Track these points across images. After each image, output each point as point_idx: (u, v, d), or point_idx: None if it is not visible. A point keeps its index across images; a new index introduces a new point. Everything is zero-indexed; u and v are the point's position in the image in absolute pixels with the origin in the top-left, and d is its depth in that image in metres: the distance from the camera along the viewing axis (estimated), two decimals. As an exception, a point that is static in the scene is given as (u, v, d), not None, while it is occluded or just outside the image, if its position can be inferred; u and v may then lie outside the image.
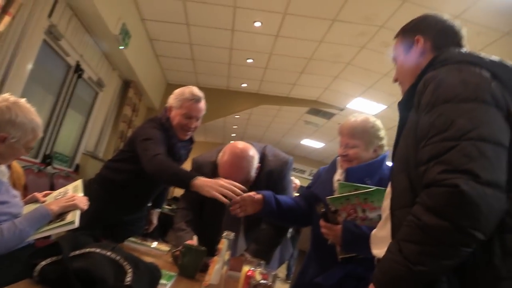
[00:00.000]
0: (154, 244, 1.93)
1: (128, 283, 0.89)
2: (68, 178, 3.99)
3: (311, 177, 10.45)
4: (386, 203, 1.18)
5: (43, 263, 0.91)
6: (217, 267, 1.05)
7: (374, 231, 1.28)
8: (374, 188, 1.57)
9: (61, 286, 0.88)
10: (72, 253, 0.95)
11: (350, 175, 1.75)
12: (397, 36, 1.33)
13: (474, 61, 1.02)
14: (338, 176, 1.83)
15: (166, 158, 1.93)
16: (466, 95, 0.94)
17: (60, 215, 1.51)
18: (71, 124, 4.90)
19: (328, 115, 8.06)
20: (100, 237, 2.14)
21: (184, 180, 1.79)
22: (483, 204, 0.82)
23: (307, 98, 7.43)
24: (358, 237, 1.54)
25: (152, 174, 1.91)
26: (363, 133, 1.76)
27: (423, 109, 1.00)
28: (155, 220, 2.31)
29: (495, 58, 1.05)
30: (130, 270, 0.92)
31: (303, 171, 13.05)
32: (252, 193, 1.76)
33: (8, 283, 0.87)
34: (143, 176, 2.03)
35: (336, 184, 1.77)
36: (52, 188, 3.47)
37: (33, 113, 1.56)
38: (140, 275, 0.93)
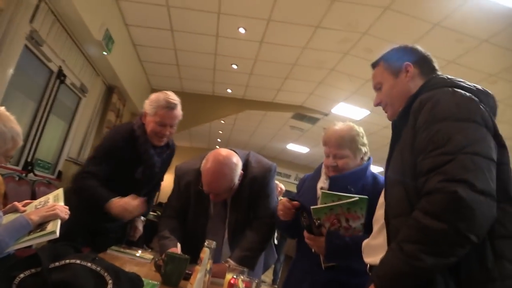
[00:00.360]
0: (139, 252, 1.91)
1: (108, 294, 0.88)
2: (50, 186, 3.93)
3: (296, 182, 10.56)
4: (379, 213, 1.25)
5: (22, 275, 0.90)
6: (199, 276, 1.05)
7: (366, 240, 1.33)
8: (357, 197, 1.59)
9: (40, 298, 0.87)
10: (52, 265, 0.94)
11: (334, 184, 1.77)
12: (377, 64, 1.45)
13: (463, 86, 1.16)
14: (322, 183, 1.84)
15: (91, 180, 2.04)
16: (460, 115, 1.07)
17: (41, 225, 1.48)
18: (53, 130, 4.83)
19: (313, 120, 8.12)
20: (82, 246, 2.15)
21: (99, 203, 1.97)
22: (478, 209, 0.93)
23: (292, 104, 7.48)
24: (341, 248, 1.58)
25: (76, 190, 2.07)
26: (351, 143, 1.79)
27: (421, 126, 1.11)
28: (140, 227, 2.27)
29: (477, 85, 1.19)
30: (110, 281, 0.91)
31: (288, 176, 13.10)
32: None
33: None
34: (117, 182, 2.07)
35: (319, 192, 1.78)
36: (34, 196, 3.41)
37: (12, 122, 1.52)
38: (121, 285, 0.92)
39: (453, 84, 1.18)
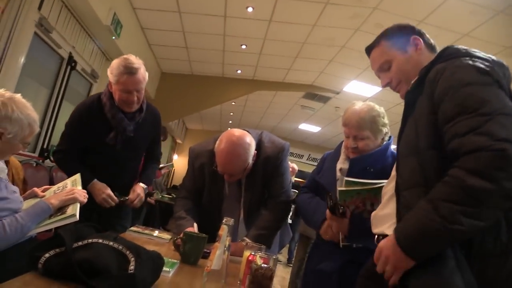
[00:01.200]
0: (156, 233, 1.95)
1: (131, 271, 0.90)
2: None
3: (309, 162, 10.53)
4: (390, 186, 1.24)
5: (47, 255, 0.92)
6: (218, 253, 1.07)
7: (374, 212, 1.32)
8: (383, 182, 1.56)
9: (66, 277, 0.90)
10: (75, 244, 0.96)
11: (353, 165, 1.76)
12: (378, 43, 1.41)
13: (478, 56, 1.14)
14: (341, 164, 1.83)
15: (66, 158, 2.15)
16: (485, 81, 1.05)
17: (60, 209, 1.52)
18: (67, 116, 4.85)
19: (324, 99, 8.05)
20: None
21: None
22: None
23: (302, 83, 7.41)
24: (364, 231, 1.56)
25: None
26: (371, 124, 1.75)
27: (444, 93, 1.08)
28: (138, 190, 2.17)
29: (492, 56, 1.16)
30: (132, 259, 0.93)
31: (301, 156, 13.10)
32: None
33: (14, 276, 0.89)
34: (94, 152, 2.12)
35: (338, 173, 1.79)
36: (51, 181, 3.47)
37: (29, 108, 1.55)
38: (143, 263, 0.94)
39: (469, 54, 1.16)
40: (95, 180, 2.07)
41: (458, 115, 1.02)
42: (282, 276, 5.97)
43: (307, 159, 13.15)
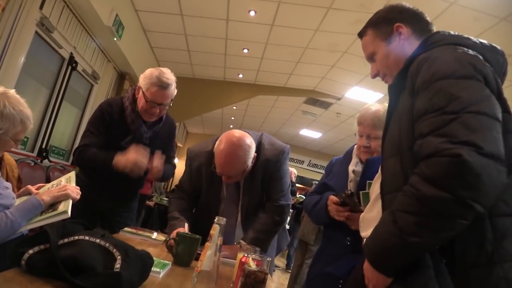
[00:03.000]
0: (154, 235, 1.91)
1: (117, 269, 0.87)
2: (64, 171, 3.97)
3: (310, 168, 10.50)
4: (376, 186, 1.18)
5: (31, 251, 0.89)
6: (209, 253, 1.04)
7: (362, 214, 1.28)
8: None
9: (49, 274, 0.86)
10: (61, 241, 0.93)
11: (370, 166, 1.73)
12: (364, 33, 1.32)
13: (466, 43, 1.04)
14: (353, 166, 1.81)
15: (87, 150, 2.03)
16: (463, 73, 0.94)
17: (52, 205, 1.49)
18: (67, 117, 4.87)
19: (326, 105, 8.03)
20: (92, 227, 2.16)
21: (105, 166, 1.97)
22: (484, 175, 0.82)
23: (304, 88, 7.40)
24: None
25: (79, 166, 2.12)
26: (380, 123, 1.71)
27: (419, 88, 0.99)
28: (158, 164, 2.05)
29: (484, 41, 1.06)
30: (119, 257, 0.90)
31: (301, 162, 13.07)
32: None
33: (-1, 273, 0.86)
34: (114, 150, 2.05)
35: (351, 175, 1.77)
36: (48, 180, 3.45)
37: (22, 104, 1.51)
38: (130, 262, 0.91)
39: (455, 40, 1.05)
40: (118, 153, 1.99)
41: (425, 113, 0.94)
42: (280, 283, 5.91)
43: (307, 165, 13.11)
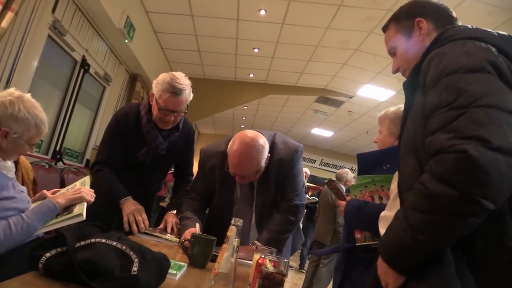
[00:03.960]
0: (167, 235, 1.90)
1: (134, 272, 0.86)
2: (78, 173, 4.00)
3: (322, 167, 10.48)
4: (394, 185, 1.17)
5: (48, 255, 0.88)
6: (226, 255, 1.02)
7: (383, 212, 1.26)
8: (389, 175, 1.57)
9: (66, 278, 0.86)
10: (78, 244, 0.92)
11: (359, 161, 1.76)
12: (387, 27, 1.31)
13: (479, 36, 1.00)
14: None
15: (105, 173, 2.00)
16: (472, 66, 0.92)
17: (67, 208, 1.49)
18: (80, 119, 4.91)
19: (337, 103, 7.98)
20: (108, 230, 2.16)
21: (114, 201, 1.95)
22: (493, 171, 0.79)
23: (315, 87, 7.36)
24: (359, 210, 1.58)
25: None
26: (384, 119, 1.82)
27: (429, 85, 0.98)
28: (170, 218, 2.04)
29: (503, 33, 1.02)
30: (136, 260, 0.89)
31: (313, 161, 13.02)
32: None
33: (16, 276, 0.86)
34: (122, 164, 2.04)
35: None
36: (62, 183, 3.48)
37: (37, 108, 1.51)
38: (147, 264, 0.90)
39: (469, 34, 1.02)
40: (130, 197, 1.97)
41: (436, 108, 0.92)
42: (294, 283, 5.89)
43: (319, 164, 13.06)
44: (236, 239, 1.05)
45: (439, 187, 0.83)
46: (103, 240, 0.92)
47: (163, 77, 1.94)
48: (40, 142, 4.01)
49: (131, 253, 0.90)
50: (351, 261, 1.77)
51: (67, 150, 4.65)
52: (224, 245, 1.05)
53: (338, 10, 4.54)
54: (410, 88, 1.12)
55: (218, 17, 5.12)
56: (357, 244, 1.68)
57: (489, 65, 0.91)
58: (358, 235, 1.71)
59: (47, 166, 3.49)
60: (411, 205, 0.90)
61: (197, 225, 1.77)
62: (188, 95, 1.98)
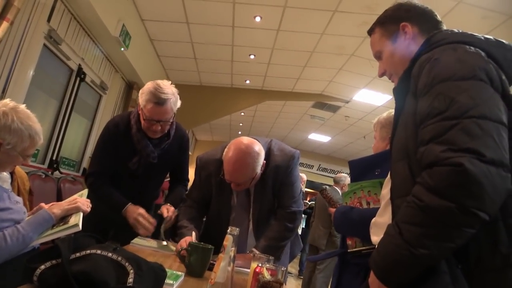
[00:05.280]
0: (162, 244, 1.89)
1: (130, 284, 0.85)
2: (75, 182, 3.99)
3: (319, 172, 10.48)
4: (386, 191, 1.17)
5: (42, 267, 0.88)
6: (222, 265, 1.02)
7: (374, 218, 1.25)
8: (375, 180, 1.61)
9: (62, 290, 0.85)
10: (73, 256, 0.91)
11: (352, 168, 1.82)
12: (372, 30, 1.31)
13: (469, 40, 1.01)
14: None
15: (102, 186, 2.02)
16: (463, 74, 0.92)
17: (63, 219, 1.48)
18: (76, 128, 4.90)
19: (334, 108, 8.00)
20: (105, 240, 2.14)
21: (116, 212, 1.98)
22: (487, 183, 0.80)
23: (311, 92, 7.38)
24: (345, 215, 1.63)
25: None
26: (377, 125, 1.87)
27: (421, 92, 0.97)
28: (166, 213, 2.00)
29: (489, 37, 1.03)
30: (132, 271, 0.88)
31: (311, 166, 13.00)
32: None
33: (11, 289, 0.85)
34: (114, 174, 2.05)
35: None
36: (59, 192, 3.46)
37: (31, 119, 1.49)
38: (143, 275, 0.89)
39: (457, 38, 1.02)
40: (130, 204, 1.98)
41: (427, 117, 0.91)
42: (293, 289, 5.86)
43: (317, 169, 13.05)
44: (233, 248, 1.04)
45: (435, 200, 0.83)
46: (99, 251, 0.91)
47: (147, 86, 1.92)
48: (36, 152, 3.99)
49: (127, 264, 0.90)
50: (344, 266, 1.79)
51: (64, 159, 4.63)
52: (221, 255, 1.04)
53: (333, 16, 4.57)
54: (399, 93, 1.12)
55: (214, 24, 5.14)
56: (348, 250, 1.69)
57: (481, 72, 0.92)
58: (349, 242, 1.73)
59: (43, 176, 3.47)
60: (404, 219, 0.89)
61: (193, 233, 1.76)
62: (174, 103, 1.95)
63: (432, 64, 0.97)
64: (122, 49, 4.76)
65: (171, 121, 1.99)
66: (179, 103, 2.00)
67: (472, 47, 0.97)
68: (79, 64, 4.44)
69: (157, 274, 0.98)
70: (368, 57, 5.44)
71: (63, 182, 3.58)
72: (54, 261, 0.89)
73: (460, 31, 1.07)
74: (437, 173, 0.84)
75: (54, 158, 4.28)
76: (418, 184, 0.88)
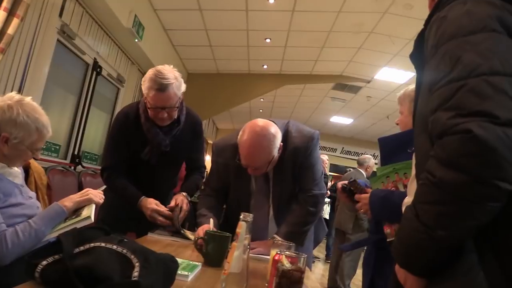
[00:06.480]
0: (181, 233, 1.84)
1: (135, 278, 0.79)
2: (96, 176, 4.01)
3: (343, 155, 10.33)
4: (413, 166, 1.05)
5: (44, 263, 0.83)
6: (236, 254, 0.95)
7: (405, 199, 1.15)
8: (409, 161, 1.44)
9: (64, 286, 0.80)
10: (77, 249, 0.86)
11: (381, 146, 1.65)
12: None
13: None
14: None
15: (116, 179, 1.98)
16: (472, 27, 0.79)
17: (76, 211, 1.45)
18: (96, 122, 4.93)
19: (355, 89, 7.80)
20: (127, 231, 2.11)
21: (131, 203, 1.94)
22: (504, 148, 0.69)
23: (331, 74, 7.20)
24: (385, 199, 1.45)
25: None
26: (404, 98, 1.71)
27: (428, 55, 0.87)
28: (178, 200, 1.95)
29: None
30: (137, 264, 0.82)
31: (334, 150, 12.84)
32: None
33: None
34: (129, 167, 2.00)
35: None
36: (80, 186, 3.48)
37: (37, 112, 1.44)
38: (150, 268, 0.83)
39: None
40: (143, 197, 1.94)
41: (435, 81, 0.81)
42: (321, 274, 5.80)
43: (340, 153, 12.87)
44: (247, 236, 0.97)
45: (448, 174, 0.73)
46: (103, 244, 0.86)
47: (148, 73, 1.85)
48: (57, 147, 4.03)
49: (132, 256, 0.83)
50: (382, 255, 1.62)
51: (86, 154, 4.67)
52: (234, 243, 0.97)
53: (349, -8, 4.40)
54: (417, 59, 1.00)
55: (227, 9, 5.03)
56: (388, 240, 1.53)
57: (494, 21, 0.79)
58: (388, 230, 1.54)
59: (64, 170, 3.49)
60: (420, 198, 0.79)
61: (211, 220, 1.70)
62: (177, 88, 1.86)
63: (439, 22, 0.86)
64: (136, 40, 4.72)
65: (177, 106, 1.90)
66: (183, 87, 1.92)
67: None
68: (95, 58, 4.43)
69: (167, 266, 0.91)
70: (388, 33, 5.24)
71: (84, 175, 3.60)
72: (56, 256, 0.84)
73: None
74: (447, 143, 0.73)
75: (76, 152, 4.32)
76: (431, 157, 0.78)
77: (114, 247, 0.85)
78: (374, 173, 1.67)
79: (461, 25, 0.81)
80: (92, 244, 0.86)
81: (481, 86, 0.73)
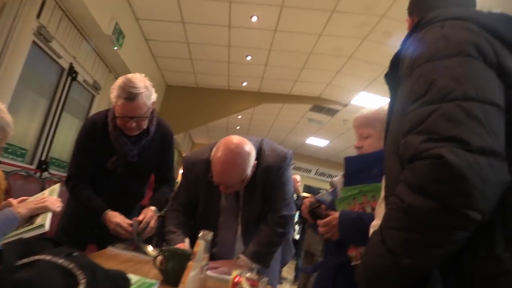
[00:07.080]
0: (150, 248, 1.76)
1: (78, 296, 0.74)
2: (61, 183, 3.85)
3: (317, 176, 10.36)
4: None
5: (-20, 275, 0.76)
6: (192, 274, 0.90)
7: (373, 222, 1.13)
8: (377, 184, 1.42)
9: (0, 302, 0.73)
10: (19, 262, 0.80)
11: (347, 165, 1.62)
12: None
13: (460, 16, 0.86)
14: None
15: (81, 190, 1.92)
16: (448, 51, 0.79)
17: (31, 218, 1.37)
18: (67, 128, 4.78)
19: (332, 112, 7.89)
20: (88, 243, 2.02)
21: (95, 215, 1.87)
22: (475, 176, 0.67)
23: (309, 95, 7.28)
24: (359, 221, 1.40)
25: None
26: (374, 121, 1.64)
27: (402, 77, 0.86)
28: (147, 216, 1.88)
29: (495, 11, 0.88)
30: (83, 280, 0.76)
31: (309, 171, 12.89)
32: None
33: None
34: (95, 176, 1.94)
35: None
36: (44, 193, 3.33)
37: (2, 111, 1.44)
38: (97, 285, 0.78)
39: (450, 15, 0.87)
40: (108, 210, 1.87)
41: (407, 104, 0.80)
42: (288, 295, 5.72)
43: (315, 174, 12.93)
44: (205, 256, 0.93)
45: (418, 200, 0.71)
46: (48, 257, 0.80)
47: (117, 81, 1.79)
48: (24, 151, 3.88)
49: (79, 272, 0.78)
50: (342, 279, 1.55)
51: (54, 160, 4.51)
52: (190, 263, 0.92)
53: (331, 16, 4.47)
54: (391, 80, 1.00)
55: (210, 24, 5.04)
56: (352, 263, 1.48)
57: (470, 47, 0.78)
58: (353, 253, 1.47)
59: (26, 175, 3.35)
60: (388, 223, 0.77)
61: (186, 240, 1.64)
62: (147, 97, 1.81)
63: (416, 45, 0.85)
64: (116, 48, 4.65)
65: (146, 116, 1.85)
66: (154, 97, 1.87)
67: (462, 22, 0.83)
68: (71, 63, 4.33)
69: (115, 284, 0.86)
70: (367, 59, 5.35)
71: (48, 182, 3.46)
72: (-4, 268, 0.77)
73: (458, 8, 0.94)
74: (418, 168, 0.72)
75: (43, 158, 4.17)
76: (401, 182, 0.76)
77: (60, 261, 0.79)
78: None
79: (437, 48, 0.80)
80: (36, 257, 0.80)
81: (454, 111, 0.72)
